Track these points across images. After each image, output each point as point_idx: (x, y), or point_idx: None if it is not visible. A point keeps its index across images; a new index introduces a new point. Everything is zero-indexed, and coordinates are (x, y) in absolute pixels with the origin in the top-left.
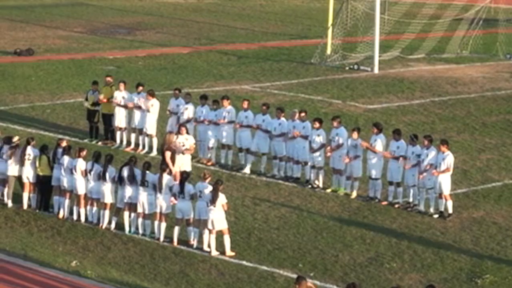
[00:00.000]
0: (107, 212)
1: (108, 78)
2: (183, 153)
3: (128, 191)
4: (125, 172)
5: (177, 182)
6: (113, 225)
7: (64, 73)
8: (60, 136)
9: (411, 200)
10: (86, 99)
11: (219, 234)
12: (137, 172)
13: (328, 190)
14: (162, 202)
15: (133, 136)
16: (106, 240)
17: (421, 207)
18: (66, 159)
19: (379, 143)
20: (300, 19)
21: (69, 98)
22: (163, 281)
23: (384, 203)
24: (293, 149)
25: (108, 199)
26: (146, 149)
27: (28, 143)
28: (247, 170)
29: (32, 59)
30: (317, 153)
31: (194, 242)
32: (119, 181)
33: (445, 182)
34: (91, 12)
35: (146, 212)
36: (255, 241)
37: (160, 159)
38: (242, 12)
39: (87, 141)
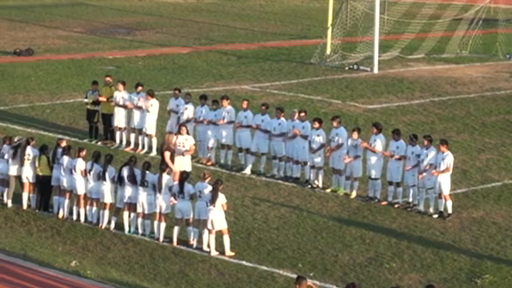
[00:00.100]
0: (106, 212)
1: (108, 78)
2: (183, 155)
3: (128, 191)
4: (125, 172)
5: (177, 182)
6: (112, 225)
7: (63, 73)
8: (60, 136)
9: (410, 200)
10: (86, 99)
11: (219, 234)
12: (137, 172)
13: (328, 190)
14: (162, 202)
15: (132, 136)
16: (106, 240)
17: (421, 207)
18: (65, 159)
19: (378, 143)
20: (300, 19)
21: (68, 98)
22: (162, 281)
23: (384, 203)
24: (292, 149)
25: (108, 199)
26: (146, 149)
27: (27, 143)
28: (247, 170)
29: (32, 59)
30: (317, 153)
31: (193, 242)
32: (118, 181)
33: (444, 182)
34: (91, 12)
35: (146, 212)
36: (254, 241)
37: (159, 159)
38: (242, 12)
39: (86, 141)
